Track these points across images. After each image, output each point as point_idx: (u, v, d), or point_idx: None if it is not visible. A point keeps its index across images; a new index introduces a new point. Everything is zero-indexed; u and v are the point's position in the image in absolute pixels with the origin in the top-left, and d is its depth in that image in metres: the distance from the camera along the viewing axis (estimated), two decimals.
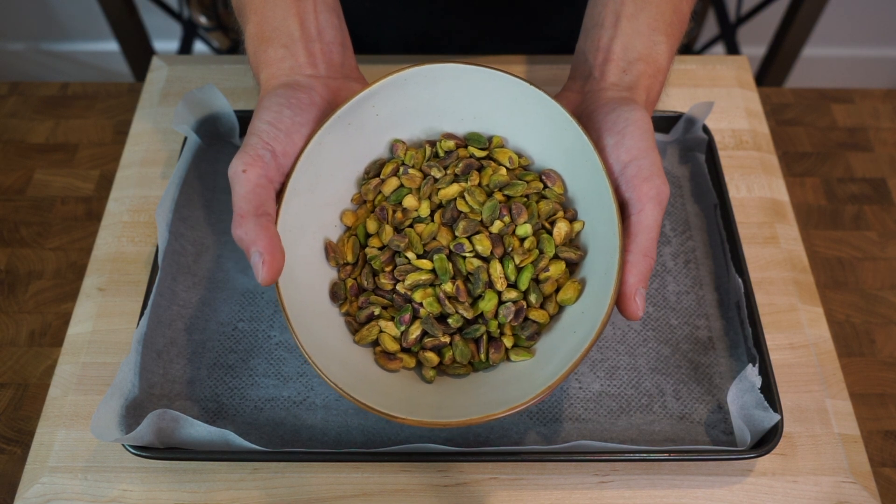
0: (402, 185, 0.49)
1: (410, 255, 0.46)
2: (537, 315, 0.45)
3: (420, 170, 0.49)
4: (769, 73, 1.24)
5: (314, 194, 0.47)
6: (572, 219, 0.47)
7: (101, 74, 1.60)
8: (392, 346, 0.46)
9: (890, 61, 1.60)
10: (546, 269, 0.45)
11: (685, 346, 0.53)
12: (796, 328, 0.55)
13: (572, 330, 0.43)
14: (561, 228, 0.46)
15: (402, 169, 0.49)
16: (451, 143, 0.50)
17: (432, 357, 0.45)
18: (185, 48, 1.29)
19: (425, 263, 0.46)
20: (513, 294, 0.45)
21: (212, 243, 0.57)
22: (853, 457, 0.50)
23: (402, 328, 0.46)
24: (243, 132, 0.61)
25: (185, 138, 0.58)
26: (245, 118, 0.60)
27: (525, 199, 0.47)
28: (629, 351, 0.53)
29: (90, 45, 1.56)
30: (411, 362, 0.46)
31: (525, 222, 0.46)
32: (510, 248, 0.46)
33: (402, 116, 0.50)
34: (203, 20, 1.30)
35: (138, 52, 1.23)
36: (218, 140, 0.61)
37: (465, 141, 0.50)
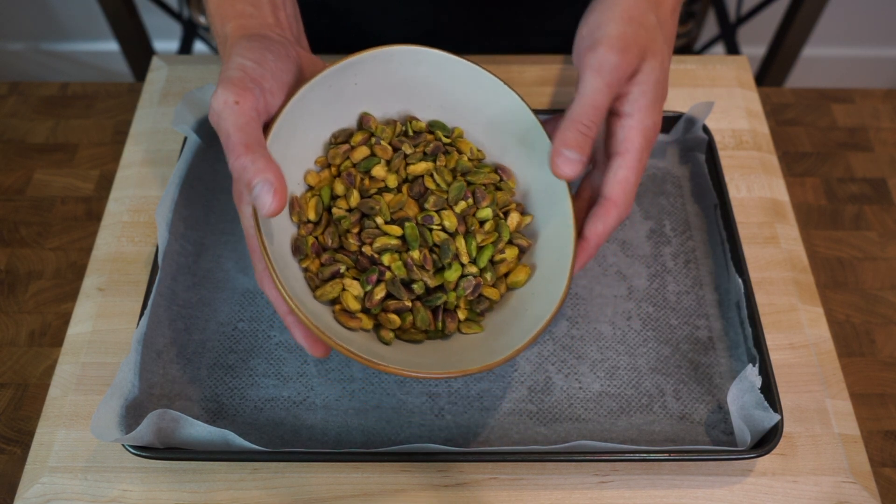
0: (372, 155, 0.50)
1: (379, 220, 0.47)
2: (490, 292, 0.48)
3: (390, 143, 0.50)
4: (769, 73, 1.24)
5: (289, 147, 0.47)
6: (522, 212, 0.50)
7: (101, 74, 1.60)
8: (353, 305, 0.46)
9: (890, 61, 1.60)
10: (502, 251, 0.48)
11: (685, 346, 0.53)
12: (796, 328, 0.55)
13: (524, 308, 0.46)
14: (513, 218, 0.49)
15: (373, 139, 0.50)
16: (421, 124, 0.52)
17: (395, 319, 0.46)
18: (185, 48, 1.29)
19: (395, 229, 0.47)
20: (473, 270, 0.47)
21: (212, 243, 0.57)
22: (853, 457, 0.50)
23: (368, 288, 0.46)
24: None
25: (185, 138, 0.58)
26: None
27: (485, 187, 0.50)
28: (629, 351, 0.53)
29: (90, 45, 1.56)
30: (369, 324, 0.46)
31: (487, 206, 0.49)
32: (472, 228, 0.48)
33: (377, 91, 0.51)
34: (203, 20, 1.30)
35: (138, 52, 1.23)
36: (218, 140, 0.61)
37: (430, 127, 0.52)
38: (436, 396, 0.51)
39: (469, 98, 0.51)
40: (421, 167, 0.49)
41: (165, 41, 1.50)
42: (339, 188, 0.49)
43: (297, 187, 0.49)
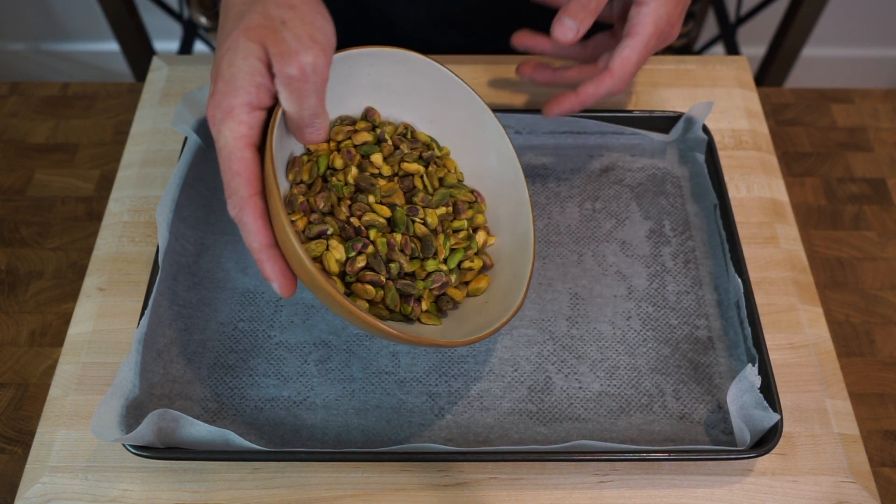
0: (374, 143, 0.52)
1: (371, 198, 0.50)
2: (455, 293, 0.51)
3: (391, 138, 0.53)
4: (769, 73, 1.24)
5: None
6: (488, 233, 0.54)
7: (102, 74, 1.60)
8: (333, 267, 0.47)
9: (890, 61, 1.60)
10: (471, 259, 0.52)
11: (685, 346, 0.53)
12: (796, 328, 0.55)
13: (477, 312, 0.50)
14: (481, 235, 0.53)
15: (378, 131, 0.53)
16: (422, 135, 0.55)
17: (370, 289, 0.48)
18: (186, 48, 1.29)
19: (384, 210, 0.50)
20: (443, 268, 0.50)
21: (212, 243, 0.57)
22: (853, 457, 0.50)
23: (352, 254, 0.48)
24: None
25: (186, 138, 0.58)
26: None
27: (464, 203, 0.54)
28: (629, 351, 0.53)
29: (90, 46, 1.56)
30: (341, 289, 0.48)
31: (463, 218, 0.52)
32: (447, 232, 0.52)
33: (382, 87, 0.54)
34: (203, 20, 1.30)
35: (138, 53, 1.23)
36: None
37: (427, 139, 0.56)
38: (436, 396, 0.51)
39: (461, 123, 0.55)
40: (414, 167, 0.52)
41: (165, 41, 1.50)
42: (338, 162, 0.51)
43: (298, 148, 0.51)
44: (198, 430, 0.46)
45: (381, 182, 0.51)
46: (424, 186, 0.52)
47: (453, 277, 0.50)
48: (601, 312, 0.55)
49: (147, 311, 0.50)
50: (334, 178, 0.50)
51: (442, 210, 0.52)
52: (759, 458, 0.49)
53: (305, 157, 0.51)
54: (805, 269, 0.58)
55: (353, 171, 0.51)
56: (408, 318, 0.49)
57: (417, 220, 0.51)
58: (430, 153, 0.54)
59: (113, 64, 1.56)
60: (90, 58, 1.58)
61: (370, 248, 0.48)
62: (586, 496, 0.48)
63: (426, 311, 0.49)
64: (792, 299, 0.56)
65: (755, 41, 1.47)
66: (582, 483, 0.48)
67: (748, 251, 0.58)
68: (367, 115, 0.54)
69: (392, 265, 0.49)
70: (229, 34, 0.44)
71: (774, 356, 0.53)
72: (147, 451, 0.46)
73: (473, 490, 0.48)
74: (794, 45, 1.18)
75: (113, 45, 1.47)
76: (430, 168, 0.53)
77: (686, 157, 0.62)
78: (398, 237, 0.49)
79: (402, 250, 0.49)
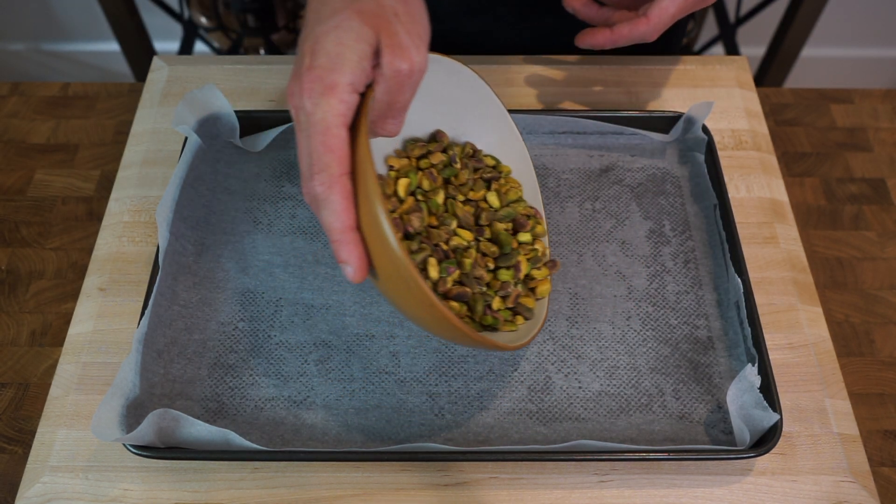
0: (450, 165, 0.56)
1: (454, 222, 0.53)
2: (527, 301, 0.52)
3: (460, 161, 0.56)
4: (769, 74, 1.24)
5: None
6: (545, 245, 0.56)
7: (102, 75, 1.60)
8: None
9: (890, 61, 1.60)
10: (539, 268, 0.54)
11: (685, 345, 0.53)
12: (796, 328, 0.55)
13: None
14: (540, 245, 0.55)
15: (451, 153, 0.56)
16: (489, 159, 0.58)
17: (456, 305, 0.50)
18: (186, 48, 1.29)
19: (467, 234, 0.53)
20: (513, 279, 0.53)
21: (212, 243, 0.57)
22: (852, 456, 0.50)
23: (444, 275, 0.50)
24: (244, 132, 0.61)
25: (186, 138, 0.58)
26: (245, 118, 0.60)
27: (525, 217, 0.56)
28: (629, 351, 0.53)
29: (91, 46, 1.57)
30: None
31: (527, 231, 0.54)
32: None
33: (429, 95, 0.55)
34: (203, 21, 1.30)
35: (139, 53, 1.23)
36: (218, 140, 0.61)
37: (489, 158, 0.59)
38: (436, 396, 0.51)
39: (492, 142, 0.58)
40: (481, 193, 0.55)
41: (166, 41, 1.50)
42: (426, 184, 0.54)
43: (380, 167, 0.53)
44: (198, 429, 0.46)
45: (457, 204, 0.54)
46: (489, 206, 0.55)
47: (519, 287, 0.52)
48: (601, 312, 0.55)
49: (147, 311, 0.50)
50: (429, 196, 0.53)
51: (507, 224, 0.54)
52: (759, 458, 0.49)
53: (394, 173, 0.53)
54: (805, 269, 0.58)
55: (441, 193, 0.54)
56: (486, 327, 0.50)
57: (483, 239, 0.53)
58: (491, 174, 0.56)
59: (113, 64, 1.56)
60: (90, 58, 1.59)
61: (456, 273, 0.50)
62: (586, 496, 0.48)
63: (507, 321, 0.51)
64: (791, 299, 0.56)
65: (755, 41, 1.47)
66: (582, 483, 0.48)
67: (748, 251, 0.58)
68: (437, 136, 0.57)
69: (479, 282, 0.51)
70: (337, 12, 0.44)
71: (774, 356, 0.53)
72: (147, 450, 0.46)
73: (473, 490, 0.48)
74: (793, 46, 1.18)
75: (113, 45, 1.47)
76: (493, 186, 0.56)
77: (686, 157, 0.62)
78: (475, 254, 0.52)
79: (480, 266, 0.52)
